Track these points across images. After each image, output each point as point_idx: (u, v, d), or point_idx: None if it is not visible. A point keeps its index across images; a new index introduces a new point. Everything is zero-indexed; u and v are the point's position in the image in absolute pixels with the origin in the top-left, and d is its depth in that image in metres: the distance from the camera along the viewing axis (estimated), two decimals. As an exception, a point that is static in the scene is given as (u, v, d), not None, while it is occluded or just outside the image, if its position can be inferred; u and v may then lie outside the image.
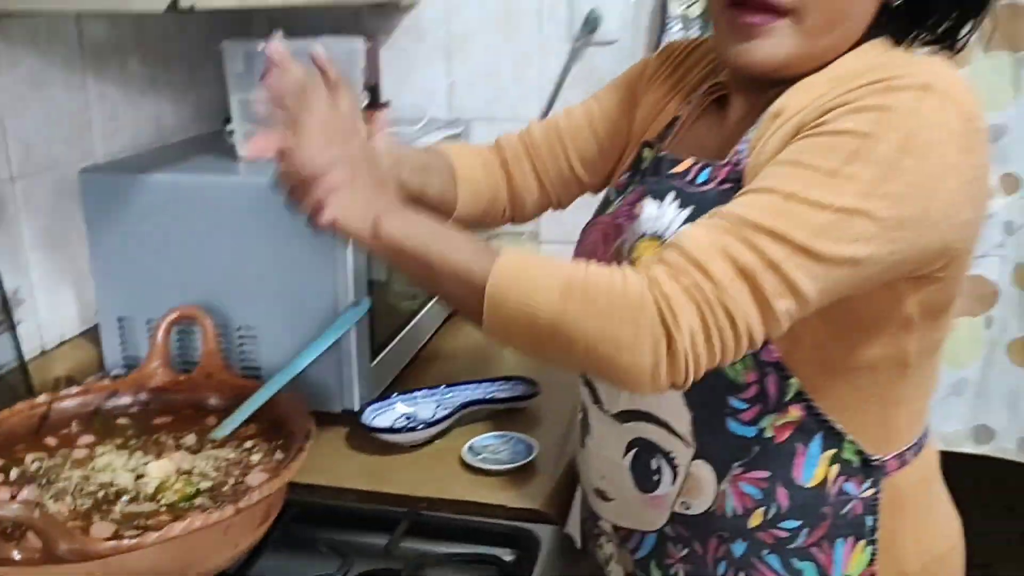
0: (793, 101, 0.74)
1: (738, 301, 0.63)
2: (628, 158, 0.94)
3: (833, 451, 0.80)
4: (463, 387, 1.22)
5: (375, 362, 1.19)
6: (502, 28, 1.54)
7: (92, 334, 1.22)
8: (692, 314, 0.63)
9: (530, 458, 1.07)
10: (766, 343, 0.69)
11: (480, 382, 1.23)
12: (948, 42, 0.78)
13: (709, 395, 0.78)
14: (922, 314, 0.76)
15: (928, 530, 0.86)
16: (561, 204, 1.10)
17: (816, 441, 0.79)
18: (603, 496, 0.92)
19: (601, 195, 0.98)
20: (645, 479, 0.86)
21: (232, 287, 1.13)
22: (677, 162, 0.81)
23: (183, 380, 1.02)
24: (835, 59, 0.76)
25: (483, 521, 0.98)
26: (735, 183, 0.75)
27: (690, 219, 0.76)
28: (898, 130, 0.65)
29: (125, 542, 0.70)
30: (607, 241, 0.87)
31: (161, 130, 1.37)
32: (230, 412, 0.96)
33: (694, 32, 1.45)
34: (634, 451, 0.86)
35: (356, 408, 1.15)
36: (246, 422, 0.94)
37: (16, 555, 0.69)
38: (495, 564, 0.90)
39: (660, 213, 0.79)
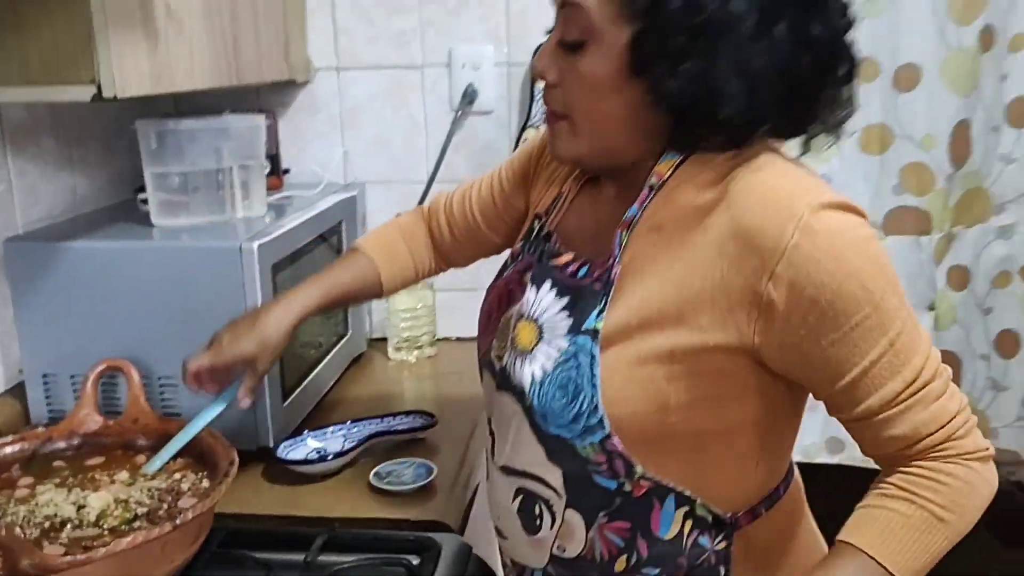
0: (671, 215, 0.83)
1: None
2: (525, 226, 1.05)
3: (686, 508, 0.87)
4: (367, 422, 1.36)
5: (286, 403, 1.32)
6: (390, 101, 1.72)
7: (16, 391, 1.31)
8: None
9: (430, 479, 1.21)
10: (610, 436, 0.82)
11: (383, 417, 1.37)
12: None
13: (567, 461, 0.87)
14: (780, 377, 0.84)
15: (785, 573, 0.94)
16: (483, 256, 1.24)
17: (670, 499, 0.86)
18: (500, 534, 1.01)
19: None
20: (529, 522, 0.93)
21: (151, 341, 1.24)
22: (558, 253, 0.91)
23: (112, 425, 1.12)
24: (652, 155, 0.85)
25: (391, 533, 1.11)
26: (604, 284, 0.84)
27: (566, 307, 0.86)
28: (854, 255, 0.77)
29: (80, 556, 0.82)
30: (500, 305, 0.98)
31: (76, 200, 1.47)
32: (157, 450, 1.08)
33: (560, 102, 1.65)
34: (520, 498, 0.94)
35: (271, 444, 1.27)
36: (173, 457, 1.06)
37: (-21, 574, 0.80)
38: (403, 567, 1.04)
39: (538, 299, 0.89)
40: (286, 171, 1.65)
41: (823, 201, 0.77)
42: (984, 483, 0.82)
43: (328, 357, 1.52)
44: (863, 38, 1.74)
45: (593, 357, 0.82)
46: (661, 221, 0.84)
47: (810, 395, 0.87)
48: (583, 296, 0.86)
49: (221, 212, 1.34)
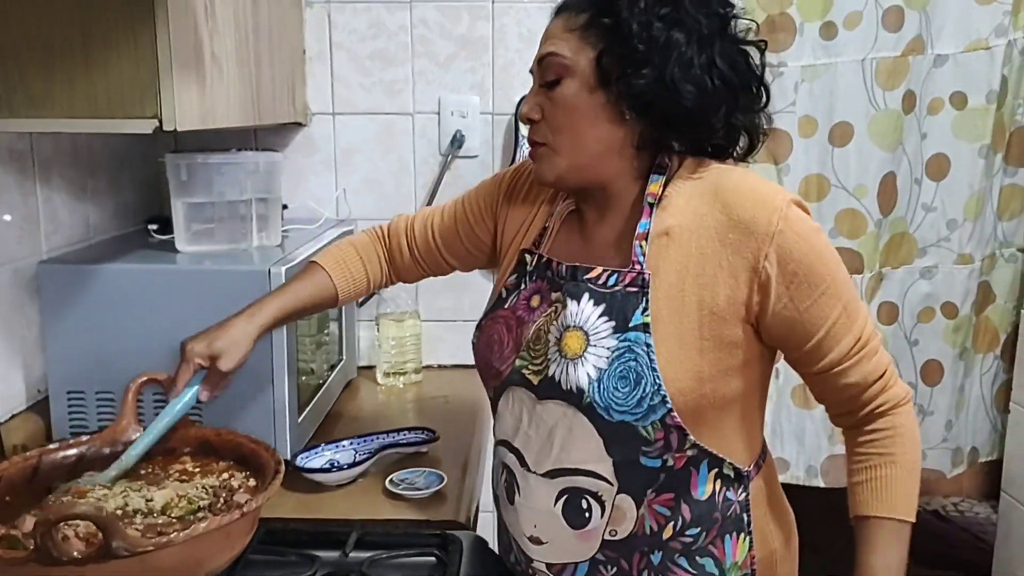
0: (674, 220, 1.01)
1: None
2: (509, 263, 1.17)
3: (716, 470, 1.05)
4: (375, 436, 1.46)
5: (301, 418, 1.42)
6: (383, 144, 1.85)
7: (37, 408, 1.37)
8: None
9: (442, 485, 1.32)
10: (671, 411, 0.98)
11: (388, 432, 1.48)
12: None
13: (626, 447, 1.01)
14: (768, 350, 1.05)
15: (780, 515, 1.14)
16: (435, 275, 1.37)
17: (704, 464, 1.04)
18: (537, 541, 1.08)
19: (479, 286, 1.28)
20: (576, 518, 1.04)
21: (175, 358, 1.32)
22: (589, 269, 1.04)
23: (152, 433, 1.20)
24: (628, 171, 1.04)
25: (415, 531, 1.22)
26: (640, 287, 1.00)
27: (604, 313, 1.01)
28: (815, 238, 0.99)
29: (163, 539, 0.90)
30: (510, 331, 1.10)
31: (90, 229, 1.55)
32: (196, 455, 1.17)
33: (540, 149, 1.81)
34: (564, 498, 1.04)
35: (289, 456, 1.36)
36: (216, 458, 1.15)
37: (76, 553, 0.88)
38: (434, 557, 1.15)
39: (579, 310, 1.02)
40: (285, 207, 1.76)
41: (791, 198, 1.00)
42: (915, 423, 1.06)
43: (329, 380, 1.62)
44: (804, 99, 1.98)
45: (649, 346, 0.98)
46: (666, 228, 1.02)
47: None
48: (618, 300, 1.01)
49: (240, 241, 1.45)
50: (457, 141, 1.82)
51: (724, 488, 1.06)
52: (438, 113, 1.84)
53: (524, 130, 1.80)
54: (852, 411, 1.05)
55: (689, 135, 1.03)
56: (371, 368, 1.88)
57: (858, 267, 2.02)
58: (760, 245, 0.97)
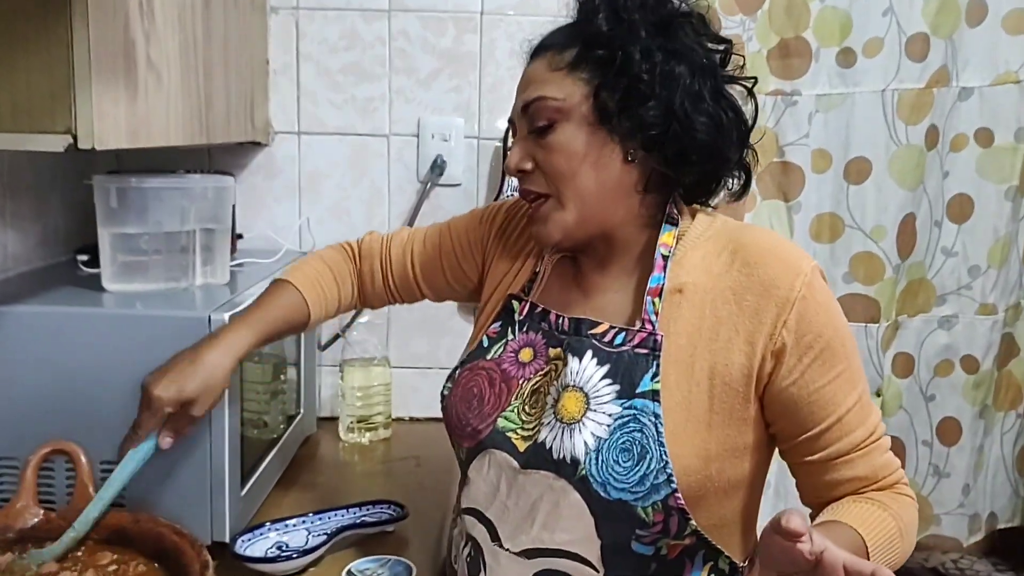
0: (688, 277, 0.92)
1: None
2: (493, 308, 1.06)
3: (712, 563, 0.94)
4: (331, 513, 1.25)
5: (245, 489, 1.20)
6: (354, 168, 1.65)
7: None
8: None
9: (410, 577, 1.11)
10: (675, 492, 0.86)
11: (348, 507, 1.27)
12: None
13: (618, 529, 0.89)
14: (772, 435, 0.94)
15: None
16: (403, 303, 1.25)
17: (700, 556, 0.93)
18: None
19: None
20: None
21: (98, 421, 1.11)
22: (594, 324, 0.94)
23: (55, 518, 0.99)
24: (634, 218, 0.95)
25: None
26: (651, 349, 0.90)
27: (608, 375, 0.90)
28: (837, 315, 0.90)
29: None
30: (493, 385, 0.99)
31: (7, 259, 1.33)
32: (112, 546, 0.95)
33: (530, 178, 1.62)
34: None
35: (227, 539, 1.14)
36: (132, 553, 0.93)
37: None
38: None
39: (581, 368, 0.92)
40: (239, 236, 1.55)
41: (815, 264, 0.90)
42: (916, 527, 0.93)
43: (282, 440, 1.40)
44: (818, 131, 1.82)
45: (657, 416, 0.87)
46: (680, 285, 0.93)
47: None
48: (625, 362, 0.91)
49: (180, 278, 1.23)
50: (438, 167, 1.63)
51: None
52: (417, 135, 1.64)
53: (510, 183, 1.62)
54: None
55: (703, 170, 0.94)
56: (333, 420, 1.66)
57: (874, 316, 1.85)
58: (780, 310, 0.88)
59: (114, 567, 0.94)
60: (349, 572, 1.12)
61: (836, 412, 0.89)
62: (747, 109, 0.95)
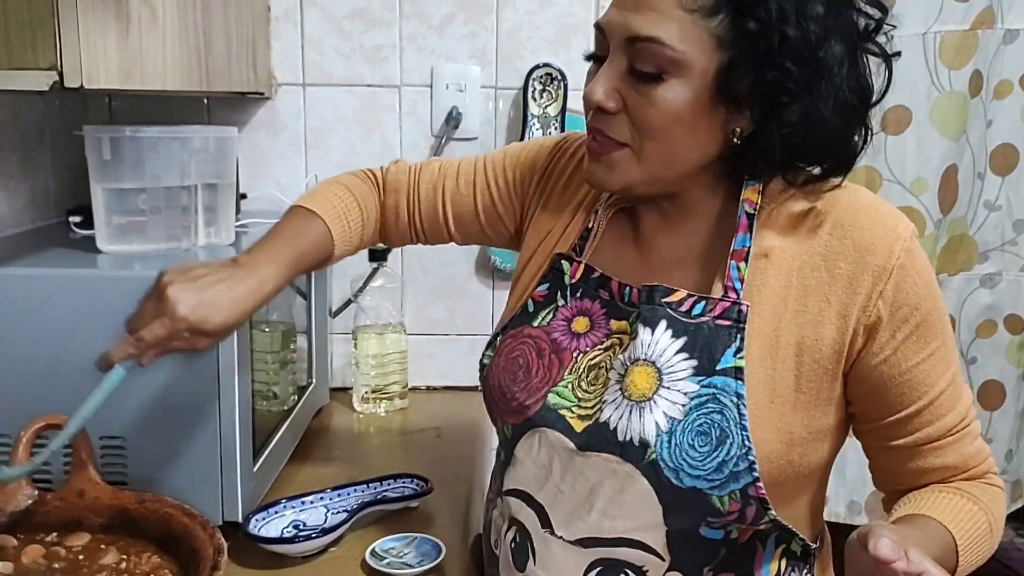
0: (774, 241, 0.82)
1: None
2: (539, 268, 0.95)
3: (784, 546, 0.87)
4: (351, 489, 1.16)
5: (257, 465, 1.11)
6: (363, 122, 1.54)
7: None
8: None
9: (439, 559, 1.02)
10: (756, 481, 0.78)
11: (368, 482, 1.18)
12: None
13: (689, 516, 0.81)
14: (851, 414, 0.86)
15: None
16: (425, 243, 1.11)
17: (772, 539, 0.86)
18: None
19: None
20: None
21: (91, 391, 1.01)
22: (669, 292, 0.83)
23: (50, 498, 0.90)
24: (697, 181, 0.84)
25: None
26: (735, 321, 0.80)
27: (684, 349, 0.81)
28: (934, 285, 0.82)
29: None
30: (542, 356, 0.89)
31: (-6, 221, 1.23)
32: (122, 541, 0.86)
33: (552, 130, 1.52)
34: (596, 571, 0.85)
35: (240, 518, 1.05)
36: (144, 541, 0.84)
37: None
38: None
39: (653, 340, 0.82)
40: (243, 196, 1.44)
41: (912, 227, 0.81)
42: (1004, 520, 0.86)
43: (296, 409, 1.31)
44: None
45: (740, 397, 0.79)
46: (766, 249, 0.83)
47: None
48: (704, 335, 0.81)
49: (181, 238, 1.13)
50: (453, 119, 1.52)
51: (789, 568, 0.89)
52: (430, 86, 1.53)
53: (535, 108, 1.52)
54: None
55: (811, 162, 0.82)
56: (346, 391, 1.57)
57: (915, 274, 1.75)
58: (876, 279, 0.79)
59: (123, 563, 0.84)
60: (373, 552, 1.04)
61: (928, 394, 0.81)
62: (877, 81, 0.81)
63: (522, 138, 1.51)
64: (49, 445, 0.85)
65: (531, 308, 0.93)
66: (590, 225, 0.93)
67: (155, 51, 0.97)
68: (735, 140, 0.80)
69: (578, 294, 0.90)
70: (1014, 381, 1.84)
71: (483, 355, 0.97)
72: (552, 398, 0.86)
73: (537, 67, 1.50)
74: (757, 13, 0.74)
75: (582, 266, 0.91)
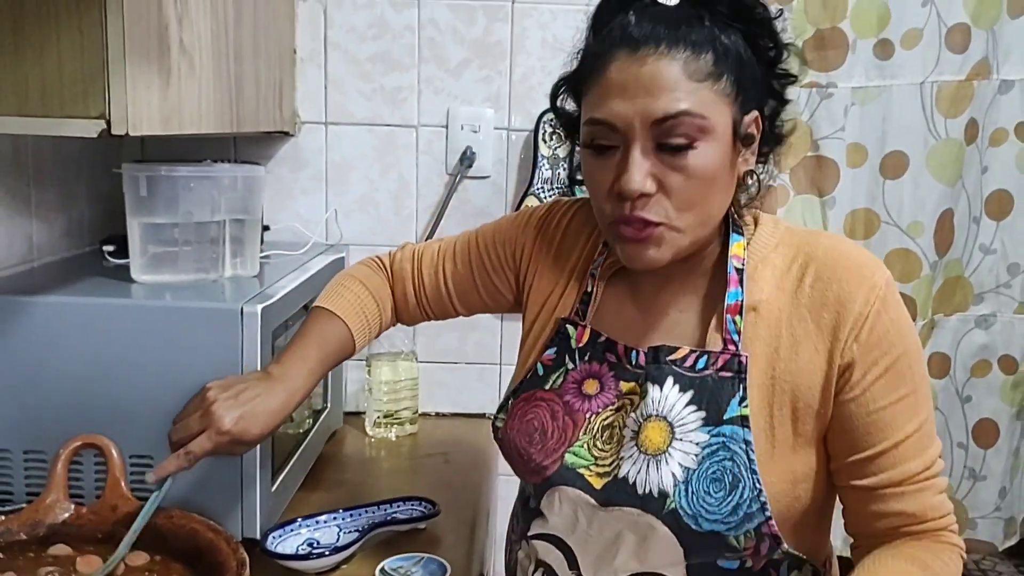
0: (761, 295, 0.88)
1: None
2: (542, 331, 1.01)
3: (796, 571, 0.91)
4: (362, 510, 1.22)
5: (276, 485, 1.17)
6: (382, 159, 1.62)
7: (-47, 469, 1.12)
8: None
9: (445, 577, 1.08)
10: (769, 519, 0.83)
11: (379, 504, 1.24)
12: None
13: (708, 553, 0.87)
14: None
15: None
16: (435, 319, 1.18)
17: (784, 566, 0.90)
18: None
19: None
20: None
21: (125, 414, 1.08)
22: (673, 349, 0.89)
23: (86, 513, 0.96)
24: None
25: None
26: (736, 372, 0.86)
27: (692, 401, 0.86)
28: (910, 334, 0.86)
29: None
30: (555, 418, 0.94)
31: (33, 249, 1.31)
32: (152, 551, 0.93)
33: (560, 171, 1.59)
34: None
35: (258, 535, 1.12)
36: (164, 554, 0.91)
37: None
38: None
39: (663, 396, 0.87)
40: (266, 228, 1.52)
41: (888, 275, 0.85)
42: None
43: (310, 435, 1.38)
44: (854, 124, 1.77)
45: (748, 443, 0.84)
46: (754, 302, 0.88)
47: None
48: (709, 387, 0.87)
49: (210, 270, 1.21)
50: (467, 159, 1.60)
51: None
52: (446, 126, 1.61)
53: (545, 149, 1.59)
54: (886, 540, 0.86)
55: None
56: (359, 415, 1.64)
57: (911, 315, 1.80)
58: (853, 327, 0.84)
59: (149, 573, 0.91)
60: (383, 570, 1.10)
61: (893, 437, 0.84)
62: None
63: (532, 176, 1.58)
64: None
65: (541, 371, 0.98)
66: (589, 289, 0.97)
67: (192, 98, 1.05)
68: (750, 181, 0.89)
69: (586, 357, 0.95)
70: (1007, 420, 1.88)
71: (495, 418, 1.02)
72: (569, 458, 0.91)
73: (548, 111, 1.57)
74: (779, 70, 0.88)
75: (587, 330, 0.95)
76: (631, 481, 0.86)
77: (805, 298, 0.86)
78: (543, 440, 0.93)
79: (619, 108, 0.81)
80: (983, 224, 1.82)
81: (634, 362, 0.92)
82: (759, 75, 0.87)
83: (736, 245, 0.89)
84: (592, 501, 0.89)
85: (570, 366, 0.96)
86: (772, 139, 0.91)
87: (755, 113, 0.87)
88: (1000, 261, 1.83)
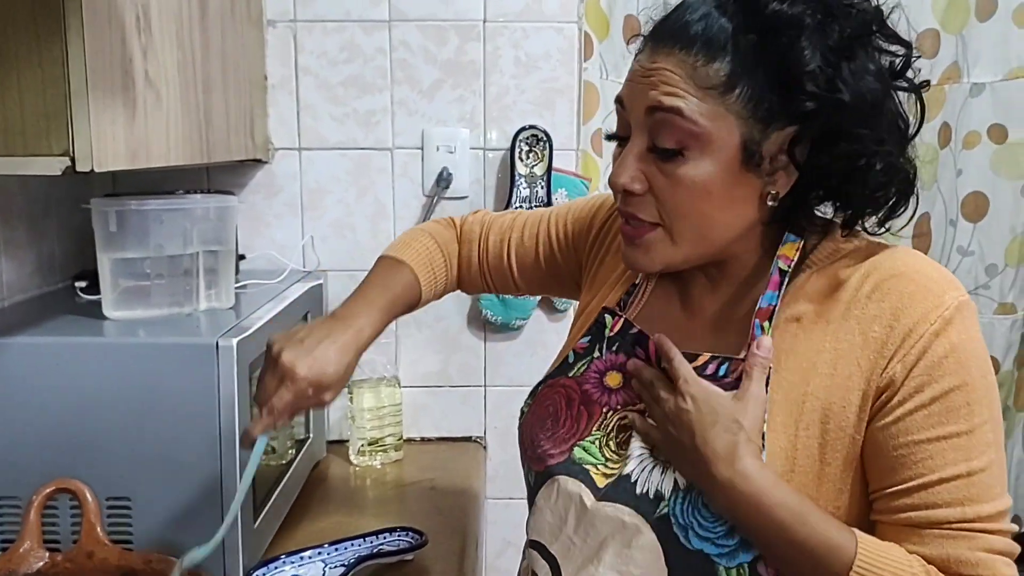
0: (809, 306, 0.80)
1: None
2: (587, 320, 0.96)
3: None
4: (348, 544, 1.20)
5: (258, 521, 1.15)
6: (357, 183, 1.60)
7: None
8: None
9: (434, 609, 1.06)
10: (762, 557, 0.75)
11: (365, 536, 1.21)
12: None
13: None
14: None
15: None
16: (495, 291, 1.17)
17: None
18: None
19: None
20: None
21: (100, 456, 1.06)
22: (693, 357, 0.82)
23: (61, 560, 0.94)
24: (741, 245, 0.82)
25: None
26: None
27: None
28: (977, 367, 0.74)
29: None
30: (571, 405, 0.89)
31: (3, 288, 1.28)
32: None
33: (538, 189, 1.58)
34: None
35: (242, 574, 1.09)
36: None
37: None
38: None
39: None
40: (241, 257, 1.50)
41: (965, 298, 0.75)
42: None
43: (293, 467, 1.35)
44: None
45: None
46: (799, 312, 0.80)
47: None
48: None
49: (184, 303, 1.18)
50: (443, 180, 1.58)
51: None
52: (421, 148, 1.60)
53: (522, 168, 1.58)
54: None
55: (851, 215, 0.81)
56: (342, 443, 1.61)
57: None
58: (903, 341, 0.74)
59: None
60: (370, 606, 1.08)
61: (927, 477, 0.72)
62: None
63: (510, 197, 1.57)
64: (224, 522, 0.91)
65: (571, 359, 0.93)
66: (637, 281, 0.94)
67: (159, 131, 1.03)
68: (772, 203, 0.78)
69: (614, 348, 0.90)
70: (993, 421, 1.88)
71: (524, 403, 0.97)
72: (578, 452, 0.86)
73: (523, 129, 1.56)
74: (808, 89, 0.73)
75: (622, 320, 0.90)
76: (633, 479, 0.81)
77: (859, 309, 0.77)
78: (554, 427, 0.89)
79: (626, 91, 0.81)
80: (960, 227, 1.83)
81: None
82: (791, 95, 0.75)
83: (788, 245, 0.81)
84: (589, 496, 0.84)
85: (596, 355, 0.91)
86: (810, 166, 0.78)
87: (785, 133, 0.76)
88: (978, 262, 1.84)
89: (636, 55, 0.82)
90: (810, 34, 0.74)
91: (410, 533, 1.23)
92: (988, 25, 1.73)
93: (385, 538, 1.22)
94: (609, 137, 0.85)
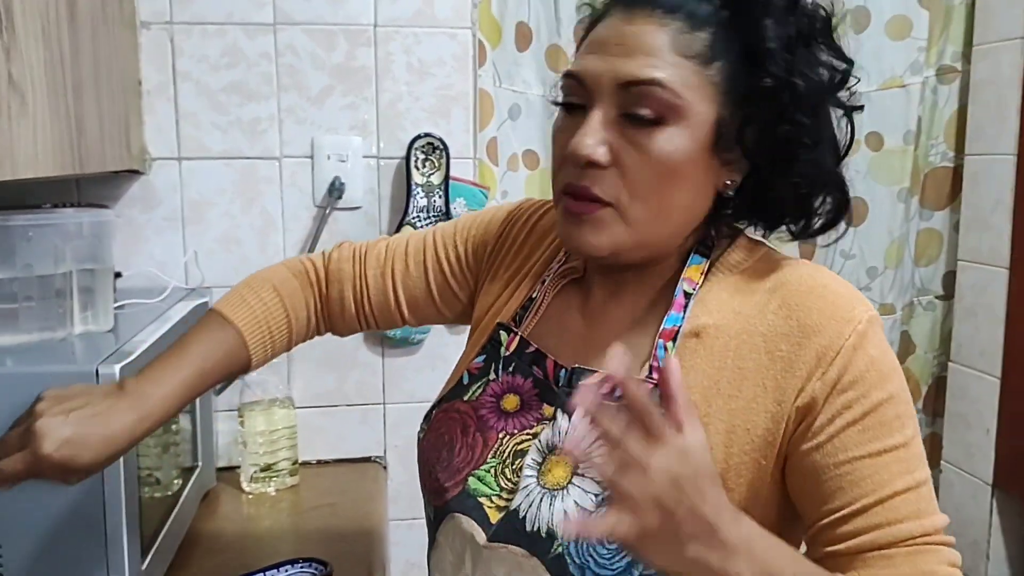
0: (710, 319, 0.76)
1: None
2: (481, 336, 0.91)
3: None
4: (248, 578, 1.12)
5: (146, 562, 1.06)
6: (243, 195, 1.52)
7: None
8: None
9: (343, 645, 1.00)
10: None
11: (264, 571, 1.14)
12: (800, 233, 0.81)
13: None
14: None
15: None
16: (376, 329, 1.07)
17: None
18: None
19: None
20: None
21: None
22: (590, 373, 0.78)
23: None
24: (685, 247, 0.79)
25: None
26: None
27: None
28: (897, 380, 0.72)
29: None
30: (467, 432, 0.84)
31: None
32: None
33: (436, 199, 1.53)
34: None
35: (129, 622, 1.00)
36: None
37: None
38: None
39: (571, 426, 0.77)
40: (118, 275, 1.39)
41: (873, 313, 0.74)
42: None
43: (181, 498, 1.26)
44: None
45: None
46: (698, 328, 0.77)
47: None
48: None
49: (57, 327, 1.08)
50: (336, 190, 1.52)
51: None
52: (311, 157, 1.53)
53: (418, 177, 1.53)
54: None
55: (797, 216, 0.79)
56: (232, 470, 1.52)
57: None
58: (818, 360, 0.71)
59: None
60: (274, 646, 1.01)
61: (877, 492, 0.69)
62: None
63: (406, 207, 1.52)
64: None
65: (466, 380, 0.88)
66: (534, 294, 0.88)
67: (26, 140, 0.93)
68: (729, 193, 0.77)
69: (510, 368, 0.84)
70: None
71: (420, 428, 0.91)
72: (472, 482, 0.81)
73: (419, 137, 1.52)
74: (770, 68, 0.72)
75: (517, 338, 0.85)
76: (521, 515, 0.75)
77: (764, 326, 0.74)
78: (449, 457, 0.83)
79: (591, 64, 0.74)
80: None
81: (560, 382, 0.80)
82: (769, 82, 0.73)
83: (693, 268, 0.79)
84: (482, 536, 0.78)
85: (492, 377, 0.85)
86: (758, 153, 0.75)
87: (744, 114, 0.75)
88: (860, 265, 1.91)
89: (594, 24, 0.78)
90: (777, 16, 0.73)
91: (313, 564, 1.16)
92: (864, 36, 1.81)
93: (287, 571, 1.15)
94: (560, 104, 0.78)
